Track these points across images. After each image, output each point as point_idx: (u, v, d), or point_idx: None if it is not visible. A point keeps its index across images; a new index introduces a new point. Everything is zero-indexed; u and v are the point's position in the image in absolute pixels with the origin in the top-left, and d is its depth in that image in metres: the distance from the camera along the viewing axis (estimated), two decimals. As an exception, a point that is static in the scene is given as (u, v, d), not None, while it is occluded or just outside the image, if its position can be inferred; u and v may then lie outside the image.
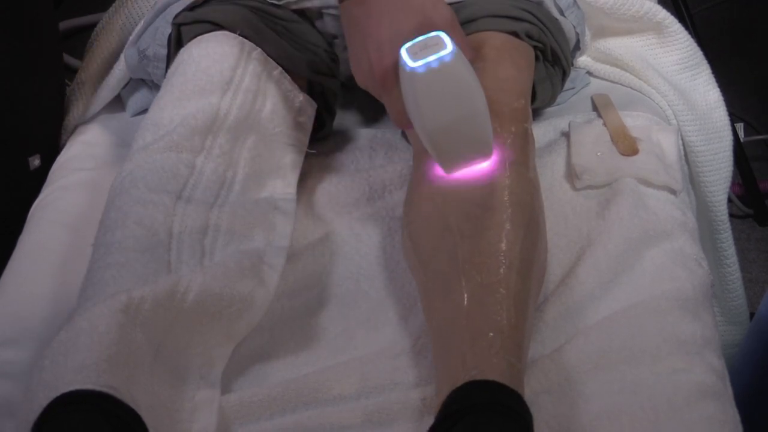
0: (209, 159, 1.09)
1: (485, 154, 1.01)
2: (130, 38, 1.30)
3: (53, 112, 1.34)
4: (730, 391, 0.98)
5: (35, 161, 1.29)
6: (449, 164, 1.01)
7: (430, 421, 0.88)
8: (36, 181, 1.28)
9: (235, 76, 1.14)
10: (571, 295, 1.05)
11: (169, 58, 1.22)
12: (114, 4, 1.37)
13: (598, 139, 1.22)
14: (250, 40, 1.16)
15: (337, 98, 1.28)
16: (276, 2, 1.23)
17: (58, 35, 1.32)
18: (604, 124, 1.25)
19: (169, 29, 1.23)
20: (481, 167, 1.02)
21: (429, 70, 0.93)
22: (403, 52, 0.94)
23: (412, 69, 0.93)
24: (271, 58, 1.17)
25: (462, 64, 0.94)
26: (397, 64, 0.96)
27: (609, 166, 1.18)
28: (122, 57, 1.32)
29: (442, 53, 0.93)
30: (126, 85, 1.35)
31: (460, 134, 0.97)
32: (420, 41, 0.94)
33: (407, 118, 1.00)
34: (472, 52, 1.00)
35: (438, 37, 0.94)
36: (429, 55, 0.93)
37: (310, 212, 1.19)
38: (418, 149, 1.12)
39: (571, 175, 1.19)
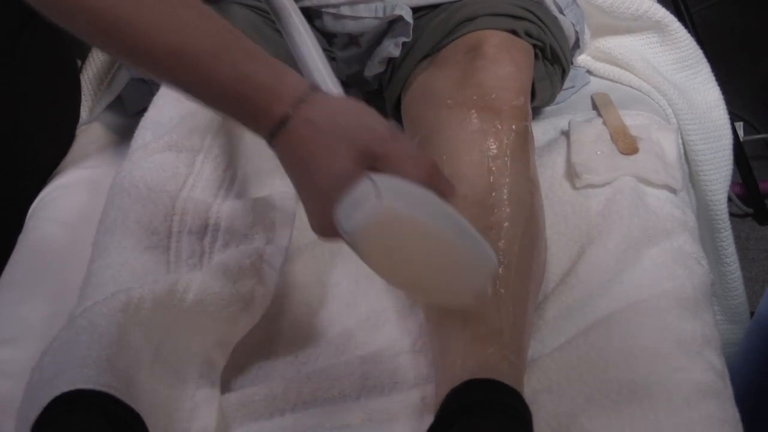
0: (208, 158, 1.09)
1: (483, 278, 0.89)
2: None
3: (67, 144, 1.35)
4: (730, 390, 0.98)
5: None
6: (459, 304, 0.91)
7: (430, 420, 0.88)
8: (36, 181, 1.28)
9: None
10: (571, 294, 1.05)
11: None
12: None
13: (598, 138, 1.22)
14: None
15: (337, 97, 1.28)
16: (276, 1, 1.23)
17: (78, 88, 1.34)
18: (604, 123, 1.25)
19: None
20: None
21: (364, 232, 0.80)
22: (338, 216, 0.81)
23: (347, 235, 0.81)
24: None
25: (399, 210, 0.80)
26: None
27: (609, 165, 1.18)
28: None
29: (370, 208, 0.79)
30: (126, 84, 1.35)
31: (442, 282, 0.86)
32: (350, 198, 0.80)
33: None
34: (425, 169, 0.84)
35: (367, 183, 0.80)
36: (360, 212, 0.79)
37: (310, 211, 1.19)
38: None
39: (571, 174, 1.19)
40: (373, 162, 0.83)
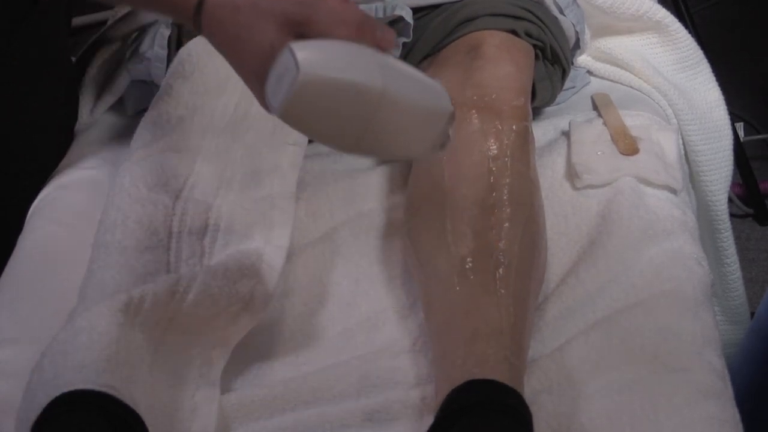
0: (208, 158, 1.09)
1: (438, 125, 0.84)
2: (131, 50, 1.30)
3: (67, 144, 1.34)
4: (730, 390, 0.98)
5: None
6: (417, 156, 0.88)
7: (430, 420, 0.88)
8: (36, 181, 1.28)
9: (233, 75, 1.14)
10: (571, 294, 1.05)
11: (169, 59, 1.22)
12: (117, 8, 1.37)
13: (599, 138, 1.22)
14: None
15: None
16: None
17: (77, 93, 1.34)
18: (605, 124, 1.25)
19: (168, 31, 1.23)
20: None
21: (289, 107, 0.77)
22: (266, 95, 0.79)
23: (275, 113, 0.79)
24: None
25: (321, 75, 0.76)
26: None
27: (609, 165, 1.18)
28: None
29: (289, 81, 0.76)
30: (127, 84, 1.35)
31: (391, 139, 0.82)
32: (273, 74, 0.78)
33: None
34: (354, 24, 0.80)
35: (286, 56, 0.76)
36: (281, 86, 0.77)
37: (310, 211, 1.19)
38: None
39: (572, 174, 1.19)
40: (298, 28, 0.80)
